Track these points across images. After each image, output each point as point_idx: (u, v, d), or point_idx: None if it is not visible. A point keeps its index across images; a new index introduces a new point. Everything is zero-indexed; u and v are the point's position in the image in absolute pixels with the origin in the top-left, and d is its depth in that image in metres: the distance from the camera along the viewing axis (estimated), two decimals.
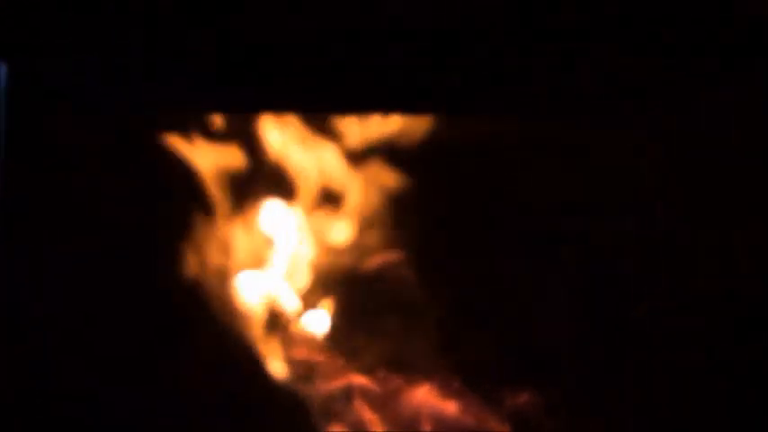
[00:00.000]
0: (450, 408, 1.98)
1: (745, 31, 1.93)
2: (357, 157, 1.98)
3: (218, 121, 1.94)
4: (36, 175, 1.95)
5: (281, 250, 1.99)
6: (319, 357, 2.01)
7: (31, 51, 1.92)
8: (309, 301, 2.01)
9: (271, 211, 1.97)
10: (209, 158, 1.97)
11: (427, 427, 1.97)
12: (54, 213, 1.96)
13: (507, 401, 1.98)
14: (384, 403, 2.00)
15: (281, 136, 1.94)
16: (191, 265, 1.97)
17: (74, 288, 1.95)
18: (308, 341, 2.00)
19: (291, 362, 2.00)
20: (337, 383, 1.99)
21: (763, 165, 1.95)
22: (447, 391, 1.99)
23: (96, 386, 1.94)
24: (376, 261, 1.99)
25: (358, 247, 1.99)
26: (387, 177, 1.98)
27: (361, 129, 1.97)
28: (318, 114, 1.92)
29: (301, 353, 2.00)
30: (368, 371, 2.01)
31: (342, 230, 1.99)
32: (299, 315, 2.01)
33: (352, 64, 1.87)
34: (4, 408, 1.92)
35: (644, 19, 1.89)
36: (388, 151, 1.98)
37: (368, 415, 1.99)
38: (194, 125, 1.98)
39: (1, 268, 1.95)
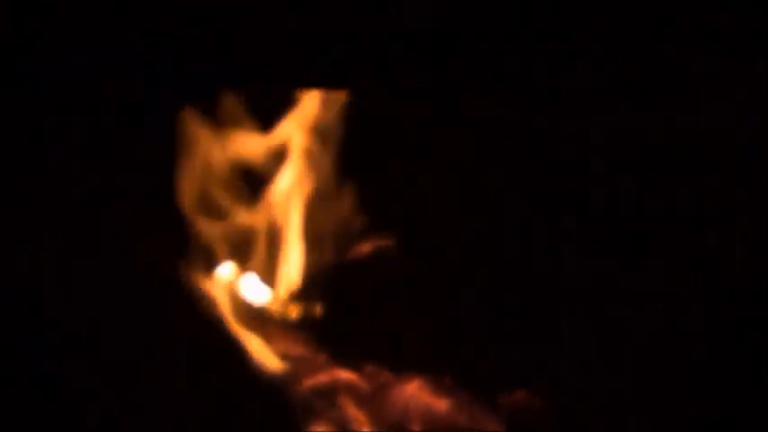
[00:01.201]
0: (442, 405, 1.93)
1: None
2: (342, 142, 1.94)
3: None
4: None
5: (268, 243, 1.94)
6: (303, 351, 1.94)
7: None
8: (293, 292, 1.95)
9: (257, 203, 1.93)
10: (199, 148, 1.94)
11: (417, 425, 1.93)
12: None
13: (502, 400, 1.93)
14: (371, 400, 1.95)
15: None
16: (176, 259, 1.93)
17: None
18: (292, 334, 1.94)
19: (275, 356, 1.93)
20: (322, 379, 1.95)
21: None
22: (438, 387, 1.94)
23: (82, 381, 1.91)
24: (365, 248, 1.95)
25: (346, 235, 1.94)
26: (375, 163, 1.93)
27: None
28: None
29: (285, 347, 1.93)
30: (355, 365, 1.97)
31: (328, 218, 1.94)
32: (283, 307, 1.94)
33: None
34: None
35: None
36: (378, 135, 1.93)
37: (354, 412, 1.93)
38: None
39: None
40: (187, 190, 1.98)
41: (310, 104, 1.95)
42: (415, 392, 1.93)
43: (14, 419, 1.93)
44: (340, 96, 1.95)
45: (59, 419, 1.96)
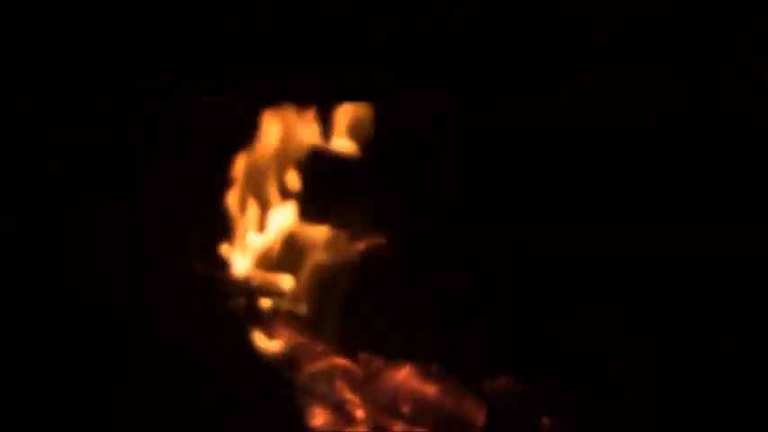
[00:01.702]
0: (429, 390, 2.01)
1: None
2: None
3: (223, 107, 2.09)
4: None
5: (269, 237, 2.07)
6: (303, 340, 2.05)
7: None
8: (294, 284, 2.06)
9: (261, 199, 2.06)
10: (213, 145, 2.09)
11: (406, 408, 2.00)
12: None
13: (485, 385, 2.00)
14: (365, 384, 2.04)
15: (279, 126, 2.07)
16: (187, 249, 2.07)
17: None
18: (292, 324, 2.06)
19: (276, 344, 2.05)
20: (321, 365, 2.05)
21: None
22: (426, 373, 2.03)
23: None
24: (360, 246, 2.07)
25: (343, 233, 2.06)
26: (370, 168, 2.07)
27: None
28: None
29: (288, 337, 2.06)
30: (350, 353, 2.07)
31: (328, 217, 2.06)
32: (285, 299, 2.06)
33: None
34: None
35: None
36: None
37: (349, 395, 2.02)
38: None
39: None
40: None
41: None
42: (404, 378, 2.02)
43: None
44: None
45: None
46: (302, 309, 2.11)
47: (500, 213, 2.17)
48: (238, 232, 2.13)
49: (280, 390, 2.06)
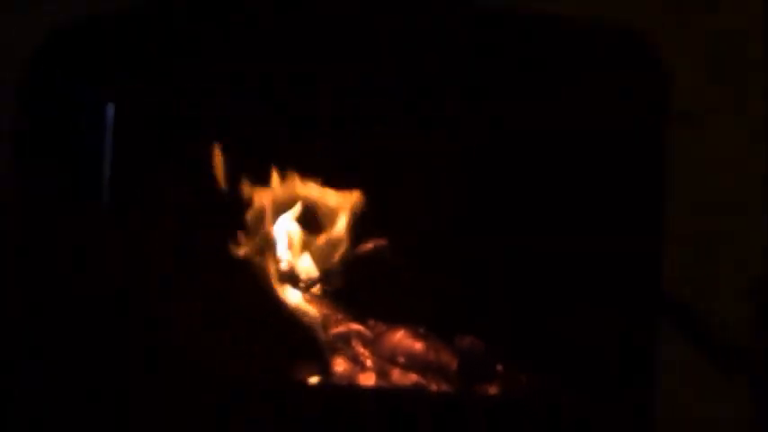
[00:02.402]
0: (418, 346, 2.33)
1: None
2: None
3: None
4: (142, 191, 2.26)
5: (305, 237, 2.43)
6: (328, 311, 2.40)
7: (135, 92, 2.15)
8: (323, 272, 2.44)
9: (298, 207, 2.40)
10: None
11: (402, 359, 2.31)
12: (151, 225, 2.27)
13: (457, 342, 2.35)
14: (373, 343, 2.36)
15: None
16: (244, 245, 2.36)
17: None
18: (321, 300, 2.42)
19: (310, 314, 2.39)
20: (340, 329, 2.37)
21: None
22: (415, 334, 2.35)
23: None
24: (368, 246, 2.42)
25: (356, 236, 2.41)
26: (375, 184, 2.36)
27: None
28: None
29: (316, 308, 2.40)
30: (362, 320, 2.40)
31: (345, 224, 2.41)
32: (316, 282, 2.44)
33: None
34: None
35: None
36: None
37: (361, 350, 2.34)
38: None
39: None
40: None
41: None
42: (400, 338, 2.34)
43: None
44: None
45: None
46: (328, 288, 2.43)
47: (500, 213, 2.31)
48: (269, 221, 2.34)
49: (314, 345, 2.35)
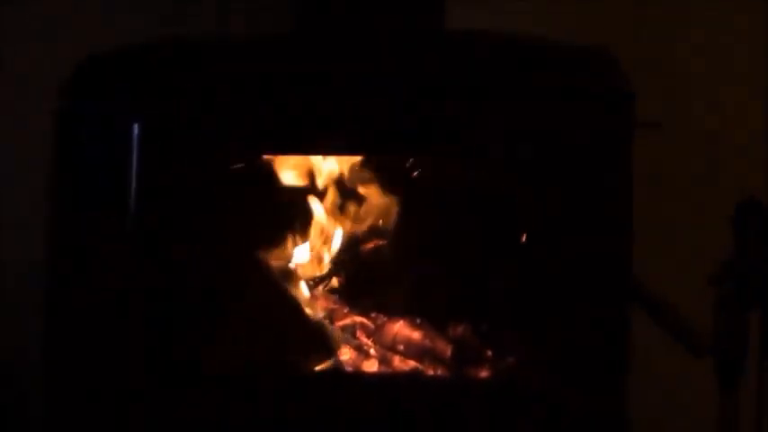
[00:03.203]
0: (415, 335, 2.46)
1: None
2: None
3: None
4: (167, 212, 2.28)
5: (317, 237, 2.52)
6: (335, 305, 2.53)
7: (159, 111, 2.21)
8: (330, 269, 2.56)
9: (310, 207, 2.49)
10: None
11: (401, 347, 2.44)
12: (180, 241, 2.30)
13: (450, 331, 2.47)
14: (375, 333, 2.50)
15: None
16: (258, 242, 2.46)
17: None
18: (328, 295, 2.56)
19: (317, 307, 2.51)
20: (346, 321, 2.51)
21: None
22: (413, 324, 2.48)
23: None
24: (370, 245, 2.56)
25: (359, 235, 2.53)
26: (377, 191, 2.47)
27: None
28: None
29: (324, 302, 2.53)
30: (365, 313, 2.53)
31: (350, 224, 2.53)
32: (323, 279, 2.57)
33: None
34: None
35: None
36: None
37: (365, 340, 2.48)
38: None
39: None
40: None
41: None
42: (400, 328, 2.48)
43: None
44: None
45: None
46: (334, 284, 2.56)
47: (487, 212, 2.38)
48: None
49: (321, 336, 2.46)
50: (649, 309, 2.31)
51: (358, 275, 2.56)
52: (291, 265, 2.53)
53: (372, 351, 2.47)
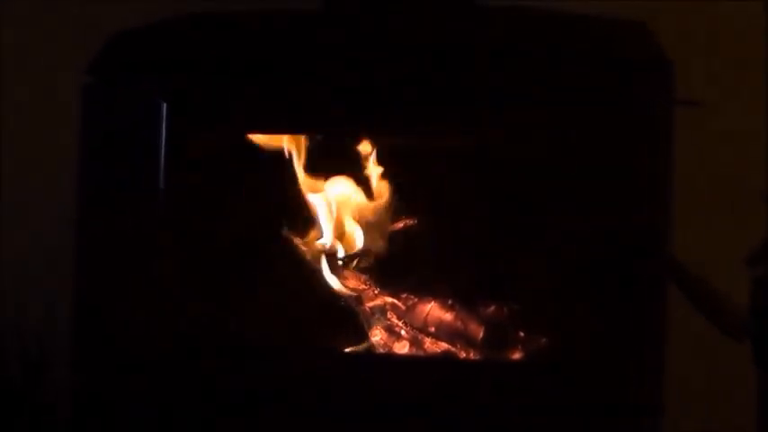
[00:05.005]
0: (447, 316, 2.45)
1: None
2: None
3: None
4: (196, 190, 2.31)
5: (345, 219, 2.52)
6: (366, 286, 2.53)
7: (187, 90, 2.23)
8: (361, 251, 2.54)
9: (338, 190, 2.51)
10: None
11: (432, 328, 2.44)
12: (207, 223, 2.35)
13: (481, 311, 2.46)
14: (406, 314, 2.49)
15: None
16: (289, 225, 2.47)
17: None
18: (359, 276, 2.54)
19: (350, 289, 2.52)
20: (377, 302, 2.50)
21: None
22: (444, 305, 2.47)
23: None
24: (400, 224, 2.52)
25: (390, 216, 2.52)
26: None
27: None
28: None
29: (355, 283, 2.53)
30: (396, 294, 2.52)
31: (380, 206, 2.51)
32: (354, 260, 2.55)
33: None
34: None
35: None
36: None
37: (396, 321, 2.49)
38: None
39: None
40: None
41: None
42: (431, 309, 2.47)
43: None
44: None
45: None
46: (365, 265, 2.53)
47: (516, 194, 2.36)
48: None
49: (353, 318, 2.50)
50: (689, 293, 2.25)
51: (389, 256, 2.54)
52: (321, 243, 2.53)
53: (403, 333, 2.47)
